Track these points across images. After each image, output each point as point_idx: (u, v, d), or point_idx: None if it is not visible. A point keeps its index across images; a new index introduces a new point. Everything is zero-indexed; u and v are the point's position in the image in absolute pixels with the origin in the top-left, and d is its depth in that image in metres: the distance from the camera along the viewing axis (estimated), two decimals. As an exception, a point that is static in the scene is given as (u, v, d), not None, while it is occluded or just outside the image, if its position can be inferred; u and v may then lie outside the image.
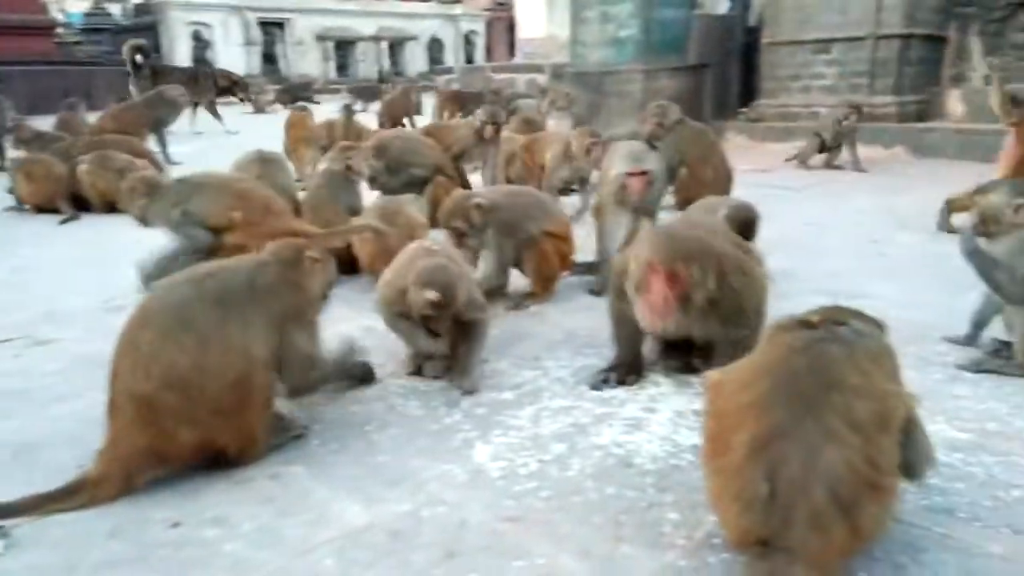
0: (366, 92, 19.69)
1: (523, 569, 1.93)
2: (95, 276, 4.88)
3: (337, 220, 4.69)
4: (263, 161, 4.96)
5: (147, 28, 27.46)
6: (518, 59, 25.16)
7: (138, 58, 14.65)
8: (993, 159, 8.02)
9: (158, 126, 10.12)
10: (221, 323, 2.36)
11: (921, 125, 9.18)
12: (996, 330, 3.18)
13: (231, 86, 16.90)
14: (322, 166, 5.26)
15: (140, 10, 29.73)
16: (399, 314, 3.09)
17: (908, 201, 6.47)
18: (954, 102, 9.43)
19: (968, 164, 8.05)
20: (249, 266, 2.59)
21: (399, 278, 3.06)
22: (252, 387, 2.40)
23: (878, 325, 1.95)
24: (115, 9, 29.82)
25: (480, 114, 6.59)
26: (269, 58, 29.44)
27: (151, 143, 9.54)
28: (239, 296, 2.45)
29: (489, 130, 6.68)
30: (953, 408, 2.73)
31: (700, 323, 2.76)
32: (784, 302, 3.92)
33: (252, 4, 29.49)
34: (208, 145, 12.22)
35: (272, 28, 30.76)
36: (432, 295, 2.86)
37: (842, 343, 1.81)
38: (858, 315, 1.94)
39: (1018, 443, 2.47)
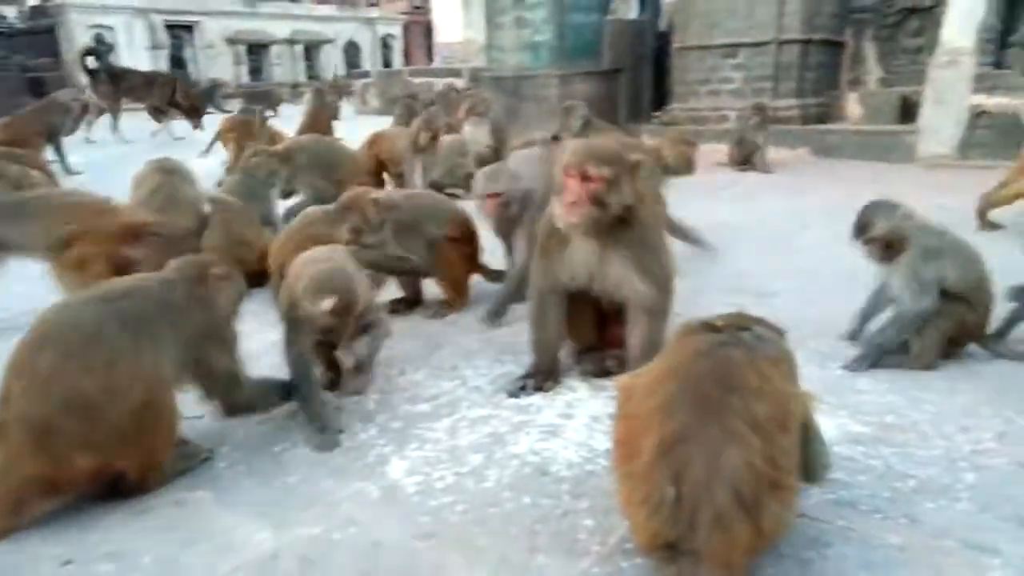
0: (263, 97, 18.48)
1: (438, 587, 1.90)
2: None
3: (248, 232, 4.54)
4: (164, 171, 4.69)
5: (45, 32, 26.04)
6: (436, 63, 25.08)
7: (90, 62, 13.93)
8: (889, 158, 8.49)
9: (53, 134, 9.60)
10: (132, 344, 2.25)
11: (822, 127, 9.60)
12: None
13: (189, 109, 14.71)
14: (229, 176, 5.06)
15: (37, 12, 28.14)
16: (298, 330, 2.79)
17: (812, 201, 6.73)
18: (852, 104, 9.89)
19: (866, 163, 8.47)
20: (157, 285, 2.48)
21: (288, 290, 2.86)
22: (159, 410, 2.29)
23: (778, 331, 2.01)
24: (9, 12, 28.17)
25: (417, 121, 6.54)
26: (178, 62, 28.38)
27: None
28: (150, 316, 2.34)
29: (424, 137, 6.65)
30: (854, 402, 2.84)
31: (617, 264, 2.93)
32: (694, 300, 4.05)
33: (158, 6, 28.37)
34: (123, 153, 11.69)
35: (180, 31, 29.66)
36: (328, 303, 2.67)
37: (744, 347, 1.86)
38: (760, 321, 1.99)
39: (914, 434, 2.58)
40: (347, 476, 2.45)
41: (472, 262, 4.24)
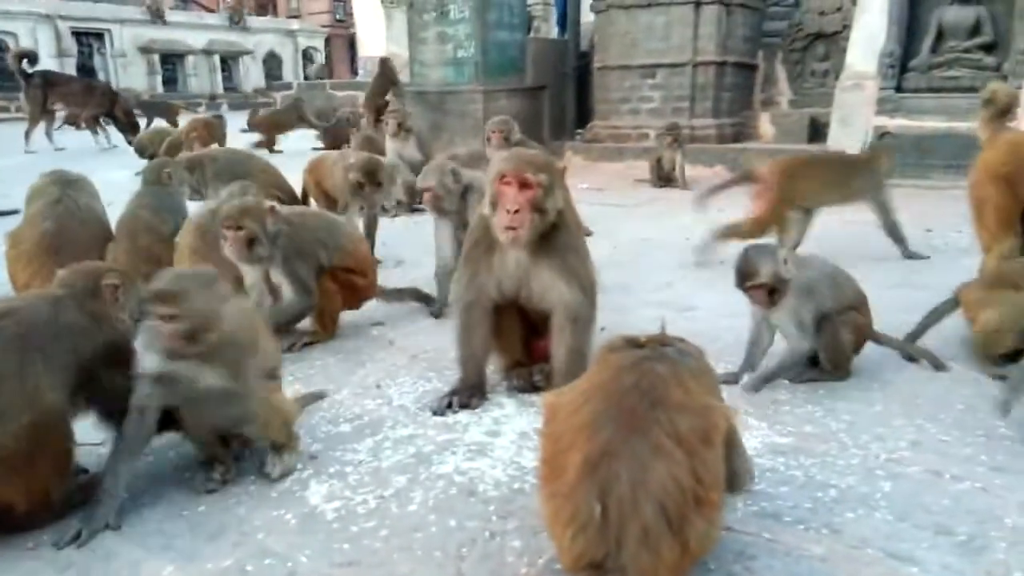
0: (161, 110, 16.93)
1: (359, 618, 1.81)
2: None
3: (157, 245, 4.30)
4: (63, 183, 4.40)
5: (-61, 36, 24.52)
6: (360, 76, 24.79)
7: (25, 66, 13.11)
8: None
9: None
10: (18, 366, 2.07)
11: (737, 146, 9.91)
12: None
13: (126, 125, 14.00)
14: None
15: (-71, 17, 26.46)
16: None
17: (731, 217, 6.87)
18: (765, 124, 10.27)
19: (780, 181, 8.77)
20: (46, 303, 2.30)
21: None
22: (48, 436, 2.12)
23: (697, 350, 2.01)
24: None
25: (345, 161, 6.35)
26: (87, 71, 27.11)
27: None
28: (39, 337, 2.16)
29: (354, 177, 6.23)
30: (773, 414, 2.89)
31: (545, 271, 2.93)
32: (619, 315, 4.07)
33: (65, 12, 27.08)
34: (32, 161, 11.05)
35: (89, 39, 28.37)
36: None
37: (666, 361, 1.86)
38: (680, 341, 2.00)
39: (833, 443, 2.63)
40: (262, 503, 2.32)
41: (359, 291, 3.96)
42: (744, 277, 3.12)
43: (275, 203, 3.57)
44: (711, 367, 2.04)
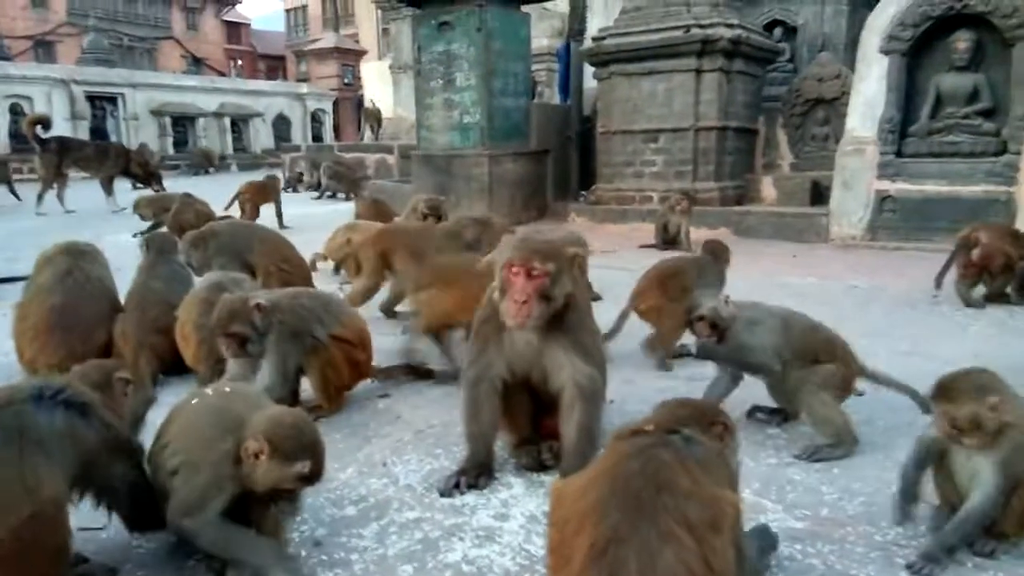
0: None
1: None
2: None
3: (166, 317, 4.30)
4: (74, 253, 4.42)
5: (-45, 99, 25.10)
6: (367, 139, 25.27)
7: (40, 131, 13.42)
8: (803, 239, 8.88)
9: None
10: (18, 458, 2.04)
11: (740, 208, 10.00)
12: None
13: (146, 176, 14.86)
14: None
15: (-53, 80, 27.12)
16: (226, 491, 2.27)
17: (735, 278, 6.84)
18: (767, 187, 10.39)
19: (783, 243, 8.83)
20: (56, 388, 2.26)
21: (211, 445, 2.27)
22: (47, 529, 2.06)
23: (727, 429, 2.02)
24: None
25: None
26: (99, 133, 27.66)
27: None
28: (40, 427, 2.13)
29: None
30: (789, 496, 2.83)
31: (556, 351, 2.95)
32: (629, 387, 4.04)
33: (80, 77, 27.78)
34: (44, 224, 11.19)
35: (103, 102, 29.06)
36: (306, 468, 2.22)
37: (672, 448, 1.85)
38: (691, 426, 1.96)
39: (850, 528, 2.57)
40: (264, 594, 2.26)
41: (359, 366, 3.91)
42: (690, 311, 3.49)
43: (259, 297, 3.54)
44: (727, 454, 2.01)
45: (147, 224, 9.34)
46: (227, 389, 2.55)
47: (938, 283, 5.79)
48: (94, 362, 2.53)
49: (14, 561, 1.99)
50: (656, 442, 1.86)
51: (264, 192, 10.83)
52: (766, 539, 2.30)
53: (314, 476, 2.27)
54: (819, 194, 9.64)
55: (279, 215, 10.70)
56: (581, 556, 1.71)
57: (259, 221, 9.01)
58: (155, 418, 2.62)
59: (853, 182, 8.64)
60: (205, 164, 24.67)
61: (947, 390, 2.38)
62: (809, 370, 3.17)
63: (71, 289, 4.21)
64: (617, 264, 7.86)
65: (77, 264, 4.33)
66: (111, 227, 10.11)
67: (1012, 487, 2.31)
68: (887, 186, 8.45)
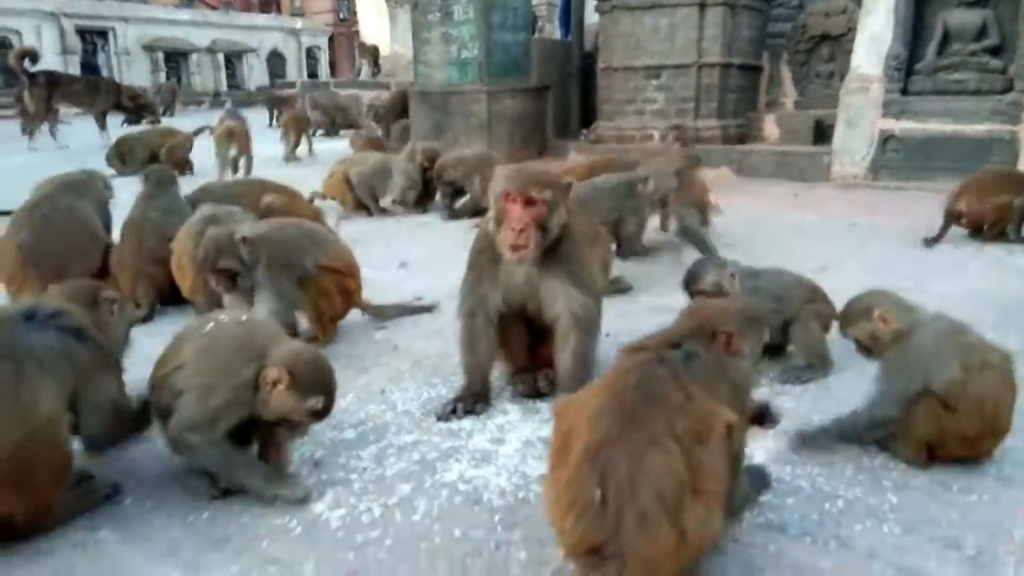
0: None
1: (364, 630, 1.80)
2: None
3: (163, 248, 4.28)
4: (57, 185, 4.41)
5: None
6: (363, 75, 24.78)
7: (28, 65, 13.12)
8: (805, 177, 8.81)
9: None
10: (14, 375, 2.06)
11: (743, 147, 9.87)
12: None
13: (137, 108, 14.71)
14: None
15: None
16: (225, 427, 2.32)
17: (736, 219, 6.87)
18: (770, 126, 10.23)
19: (785, 182, 8.75)
20: (49, 309, 2.29)
21: (230, 371, 2.30)
22: (45, 446, 2.10)
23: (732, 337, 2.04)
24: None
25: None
26: (90, 68, 27.11)
27: None
28: (34, 344, 2.15)
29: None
30: (781, 422, 2.85)
31: (551, 280, 2.95)
32: (623, 320, 4.06)
33: (70, 10, 27.05)
34: (36, 160, 11.07)
35: (94, 36, 28.36)
36: (319, 403, 2.28)
37: (669, 365, 1.93)
38: (698, 331, 2.03)
39: (839, 455, 2.61)
40: (266, 511, 2.30)
41: (350, 296, 3.94)
42: (688, 282, 3.49)
43: (244, 231, 3.52)
44: (731, 362, 2.03)
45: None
46: (244, 318, 2.56)
47: (929, 243, 5.73)
48: (79, 281, 2.52)
49: (14, 481, 2.03)
50: (654, 358, 1.95)
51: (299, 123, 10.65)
52: (759, 479, 2.32)
53: (324, 412, 2.33)
54: (822, 133, 9.51)
55: (246, 165, 9.33)
56: (576, 456, 1.82)
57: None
58: (154, 345, 2.63)
59: (857, 120, 8.52)
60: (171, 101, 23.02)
61: (844, 318, 2.79)
62: (801, 308, 3.37)
63: (36, 223, 4.14)
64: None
65: (48, 197, 4.30)
66: (103, 162, 9.98)
67: (912, 402, 2.45)
68: (891, 125, 8.34)
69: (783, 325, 3.34)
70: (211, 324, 2.47)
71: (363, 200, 7.24)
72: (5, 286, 4.13)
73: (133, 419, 2.47)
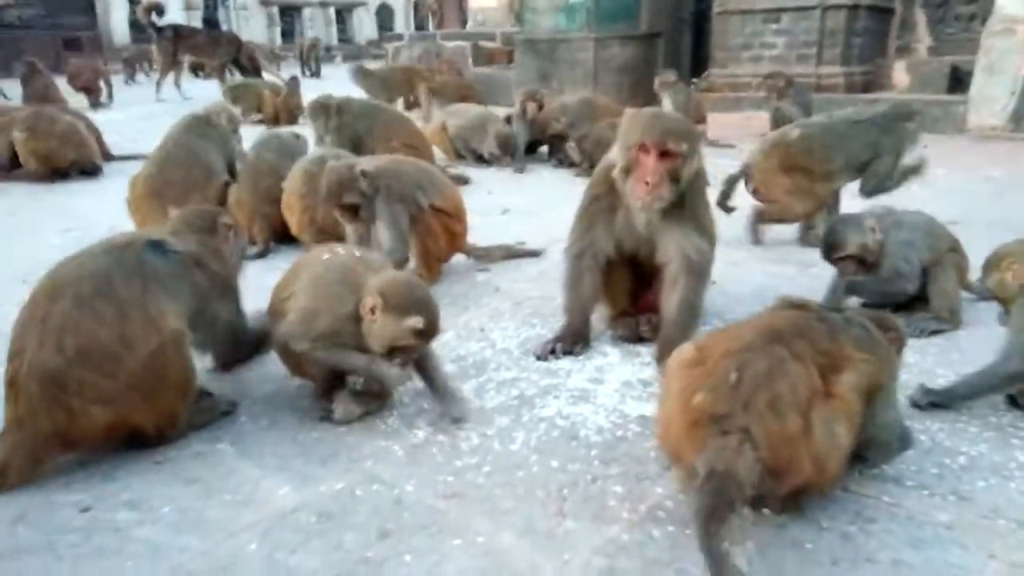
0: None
1: (461, 547, 1.84)
2: (15, 246, 4.61)
3: (278, 188, 4.45)
4: (184, 126, 4.76)
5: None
6: (469, 27, 24.71)
7: (155, 18, 13.92)
8: (937, 129, 8.18)
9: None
10: (142, 294, 2.20)
11: (867, 96, 9.25)
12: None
13: (253, 69, 14.91)
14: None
15: (71, -29, 28.16)
16: (342, 345, 2.40)
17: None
18: (900, 73, 9.54)
19: (912, 135, 8.15)
20: (171, 232, 2.45)
21: (335, 301, 2.38)
22: (172, 360, 2.24)
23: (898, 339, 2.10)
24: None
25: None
26: (211, 23, 28.29)
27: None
28: (159, 266, 2.29)
29: (532, 108, 7.06)
30: (903, 376, 2.69)
31: (671, 227, 2.87)
32: (733, 269, 3.92)
33: (192, -34, 28.32)
34: (163, 110, 11.76)
35: (215, -8, 29.65)
36: (418, 322, 2.31)
37: (828, 322, 1.94)
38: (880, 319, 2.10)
39: (964, 409, 2.45)
40: (371, 434, 2.39)
41: (456, 239, 3.98)
42: (830, 249, 3.23)
43: (364, 165, 3.62)
44: (887, 349, 2.00)
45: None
46: (357, 253, 2.61)
47: None
48: (198, 208, 2.65)
49: (144, 392, 2.18)
50: (814, 315, 1.97)
51: (411, 77, 10.56)
52: (904, 438, 2.12)
53: (429, 331, 2.35)
54: (958, 81, 8.79)
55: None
56: (717, 353, 1.90)
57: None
58: (269, 279, 2.75)
59: (999, 66, 7.80)
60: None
61: (984, 267, 2.64)
62: (944, 255, 3.20)
63: (159, 159, 4.58)
64: (727, 153, 7.52)
65: (172, 136, 4.68)
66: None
67: None
68: (1039, 70, 7.60)
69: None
70: (326, 256, 2.54)
71: (461, 151, 7.29)
72: (132, 214, 4.48)
73: (253, 342, 2.61)
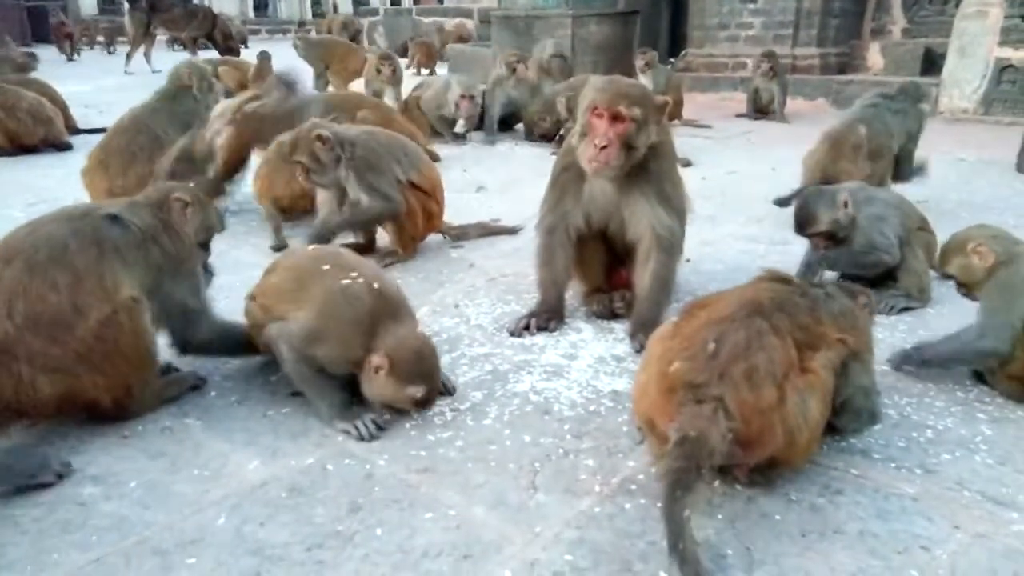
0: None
1: (432, 520, 1.83)
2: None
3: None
4: (151, 99, 4.76)
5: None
6: (447, 3, 24.43)
7: None
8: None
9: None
10: (97, 262, 2.15)
11: (842, 77, 9.30)
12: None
13: (225, 47, 14.51)
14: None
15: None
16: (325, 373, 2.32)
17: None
18: (874, 55, 9.58)
19: (886, 117, 8.22)
20: (127, 205, 2.38)
21: (342, 340, 2.25)
22: (126, 331, 2.18)
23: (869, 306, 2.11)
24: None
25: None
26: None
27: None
28: (116, 237, 2.23)
29: (522, 68, 7.18)
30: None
31: (637, 200, 2.86)
32: (707, 247, 3.94)
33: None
34: (130, 82, 11.49)
35: (185, -37, 28.96)
36: (419, 392, 2.22)
37: (809, 297, 1.96)
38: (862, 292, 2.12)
39: (931, 384, 2.49)
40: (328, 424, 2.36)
41: (433, 218, 3.94)
42: (803, 225, 3.23)
43: (322, 129, 3.55)
44: (862, 316, 2.04)
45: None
46: (375, 285, 2.32)
47: None
48: (160, 183, 2.58)
49: (95, 362, 2.12)
50: (796, 289, 2.00)
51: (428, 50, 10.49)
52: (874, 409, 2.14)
53: (427, 402, 2.27)
54: (931, 63, 8.85)
55: None
56: (697, 322, 1.92)
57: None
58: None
59: (971, 48, 7.87)
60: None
61: (941, 256, 2.66)
62: (913, 233, 3.23)
63: (126, 130, 4.59)
64: (703, 132, 7.54)
65: (134, 110, 4.69)
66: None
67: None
68: (1009, 54, 7.67)
69: None
70: (344, 280, 2.30)
71: (436, 126, 7.19)
72: (86, 187, 4.51)
73: (216, 332, 2.49)
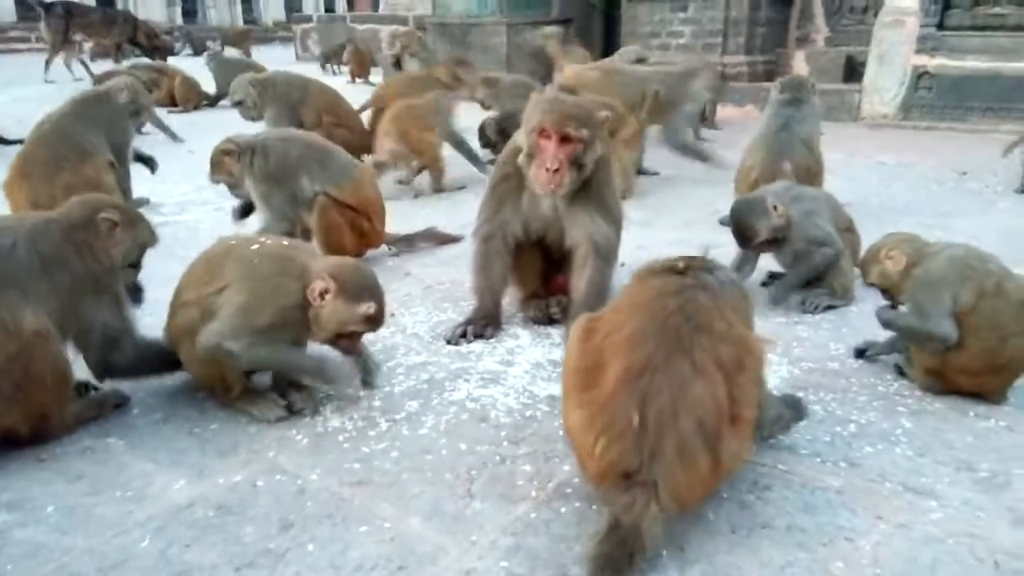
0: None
1: (366, 534, 1.80)
2: None
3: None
4: (66, 106, 4.52)
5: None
6: (381, 10, 24.25)
7: None
8: (833, 117, 8.54)
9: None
10: None
11: (769, 84, 9.55)
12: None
13: (151, 48, 14.12)
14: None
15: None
16: (283, 340, 2.31)
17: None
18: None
19: (811, 122, 8.49)
20: (30, 227, 2.21)
21: (278, 291, 2.26)
22: (36, 362, 2.07)
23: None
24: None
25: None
26: (107, 1, 26.76)
27: None
28: (15, 263, 2.10)
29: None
30: (795, 350, 2.82)
31: (577, 211, 2.88)
32: (641, 252, 3.99)
33: (83, -61, 26.69)
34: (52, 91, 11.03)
35: (108, -33, 27.99)
36: (370, 308, 2.26)
37: (709, 292, 1.85)
38: (719, 266, 1.99)
39: (854, 380, 2.58)
40: (274, 424, 2.31)
41: (366, 236, 3.78)
42: (745, 239, 3.27)
43: (229, 144, 3.54)
44: (747, 295, 2.04)
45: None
46: (284, 241, 2.49)
47: (1005, 153, 5.44)
48: (83, 199, 2.40)
49: (10, 391, 2.03)
50: (694, 283, 1.87)
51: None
52: (797, 408, 2.18)
53: (378, 318, 2.29)
54: (853, 71, 9.18)
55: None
56: (615, 378, 1.75)
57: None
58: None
59: (889, 56, 8.21)
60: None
61: (861, 268, 2.74)
62: (841, 235, 3.32)
63: (30, 140, 4.38)
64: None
65: (54, 114, 4.44)
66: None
67: None
68: (925, 61, 8.03)
69: None
70: (254, 246, 2.35)
71: None
72: (6, 198, 4.26)
73: (140, 353, 2.37)
